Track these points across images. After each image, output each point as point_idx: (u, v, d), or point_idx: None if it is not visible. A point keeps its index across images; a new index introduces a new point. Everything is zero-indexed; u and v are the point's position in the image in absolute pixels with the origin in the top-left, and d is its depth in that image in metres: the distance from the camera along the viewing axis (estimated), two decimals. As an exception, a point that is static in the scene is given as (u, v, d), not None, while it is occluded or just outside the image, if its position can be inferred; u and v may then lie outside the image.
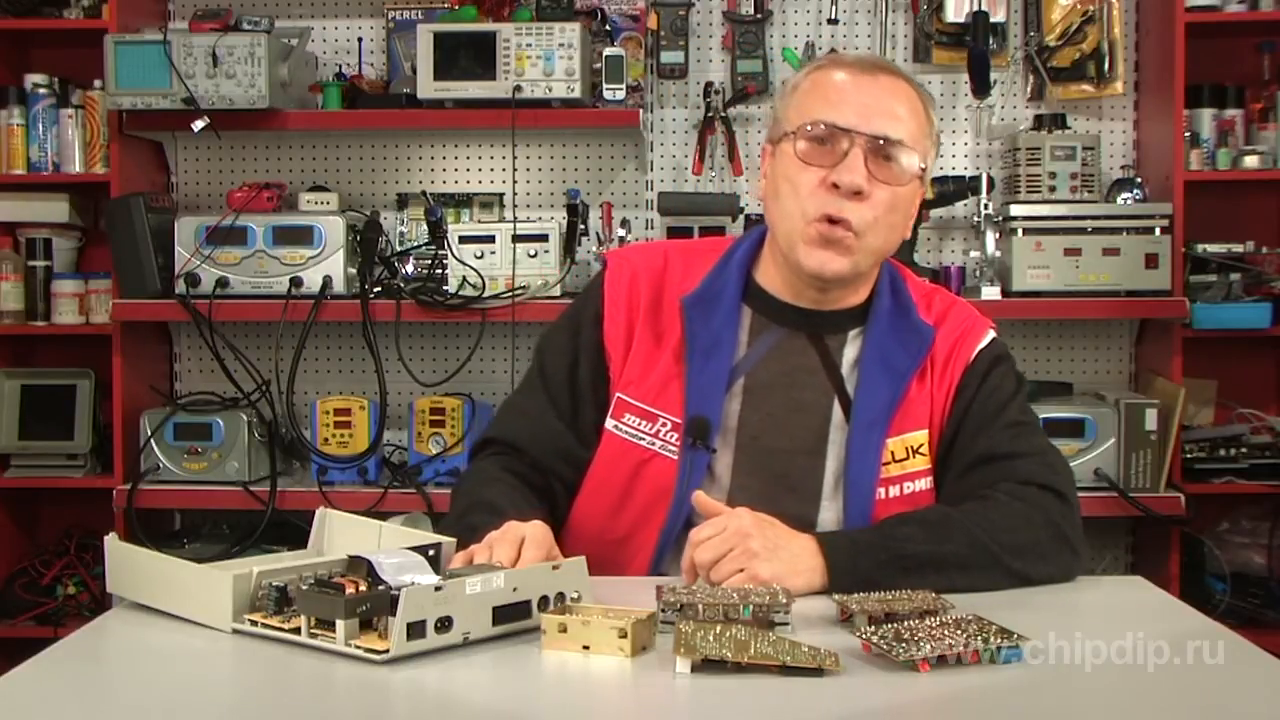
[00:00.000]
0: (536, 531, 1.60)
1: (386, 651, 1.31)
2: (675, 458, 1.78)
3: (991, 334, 1.87)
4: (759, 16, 3.50)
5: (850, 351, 1.84)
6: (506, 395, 2.00)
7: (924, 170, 1.79)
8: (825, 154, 1.74)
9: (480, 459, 1.89)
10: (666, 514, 1.77)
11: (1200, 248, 3.31)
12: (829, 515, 1.78)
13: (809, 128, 1.74)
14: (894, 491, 1.78)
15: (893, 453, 1.78)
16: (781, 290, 1.85)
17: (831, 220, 1.73)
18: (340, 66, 3.60)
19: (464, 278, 3.24)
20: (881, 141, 1.73)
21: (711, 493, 1.78)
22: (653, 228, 3.56)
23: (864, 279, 1.83)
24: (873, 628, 1.36)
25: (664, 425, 1.80)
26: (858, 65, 1.80)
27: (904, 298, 1.86)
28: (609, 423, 1.83)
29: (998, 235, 3.27)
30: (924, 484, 1.80)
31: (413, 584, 1.37)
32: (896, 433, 1.79)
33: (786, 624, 1.40)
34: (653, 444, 1.80)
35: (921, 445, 1.80)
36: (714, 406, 1.79)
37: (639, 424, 1.81)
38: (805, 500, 1.78)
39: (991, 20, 3.38)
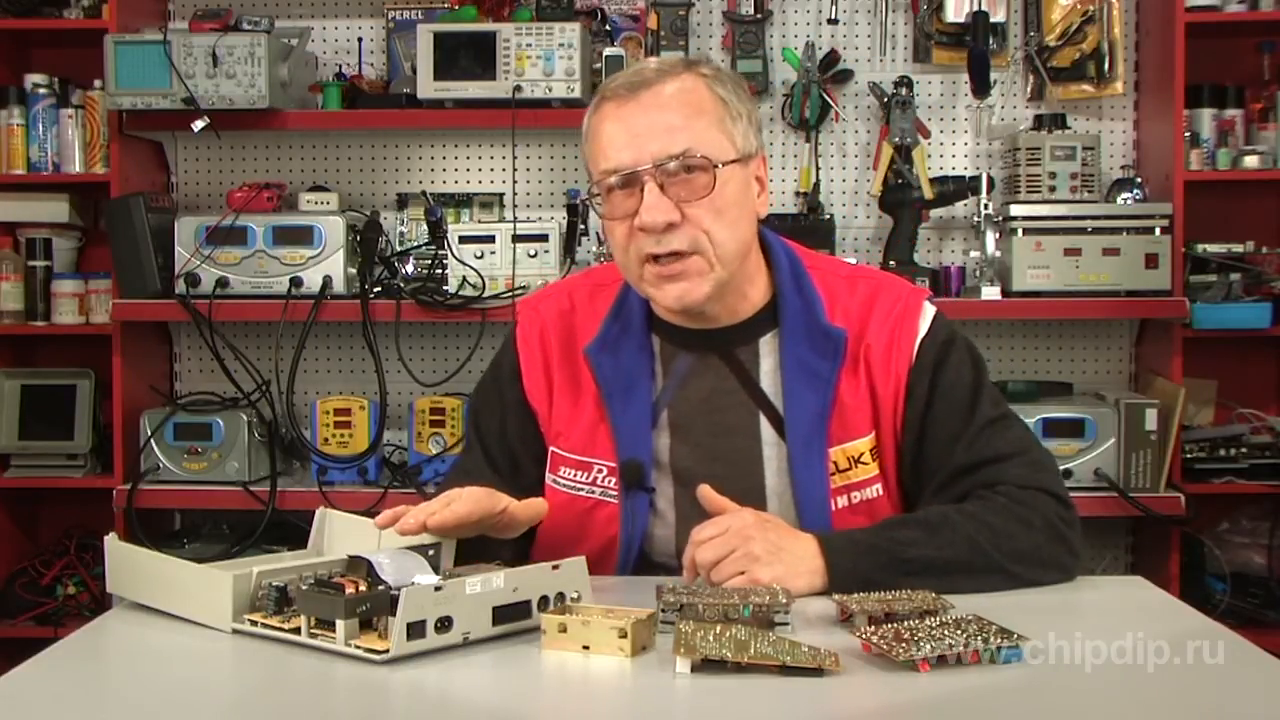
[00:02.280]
0: (472, 490, 1.58)
1: (386, 651, 1.31)
2: (617, 502, 1.76)
3: (929, 317, 1.77)
4: (759, 16, 3.50)
5: (767, 361, 1.78)
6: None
7: (737, 145, 1.69)
8: (627, 199, 1.67)
9: None
10: (618, 556, 1.76)
11: (1200, 248, 3.31)
12: None
13: (601, 184, 1.69)
14: (843, 502, 1.74)
15: (835, 463, 1.74)
16: (674, 317, 1.78)
17: (658, 258, 1.67)
18: (340, 66, 3.60)
19: (464, 278, 3.24)
20: (670, 163, 1.65)
21: (658, 529, 1.77)
22: (653, 228, 3.55)
23: (745, 280, 1.76)
24: (873, 628, 1.36)
25: (600, 471, 1.77)
26: (619, 94, 1.70)
27: (809, 295, 1.77)
28: (548, 477, 1.81)
29: (998, 235, 3.27)
30: (874, 491, 1.75)
31: (413, 584, 1.37)
32: (836, 442, 1.73)
33: (786, 624, 1.40)
34: (592, 492, 1.78)
35: (863, 454, 1.75)
36: (643, 446, 1.76)
37: (575, 475, 1.79)
38: None
39: (991, 20, 3.38)
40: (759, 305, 1.79)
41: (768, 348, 1.78)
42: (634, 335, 1.79)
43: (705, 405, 1.78)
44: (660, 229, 1.66)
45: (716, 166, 1.67)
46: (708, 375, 1.78)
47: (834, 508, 1.73)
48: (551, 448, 1.82)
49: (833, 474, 1.74)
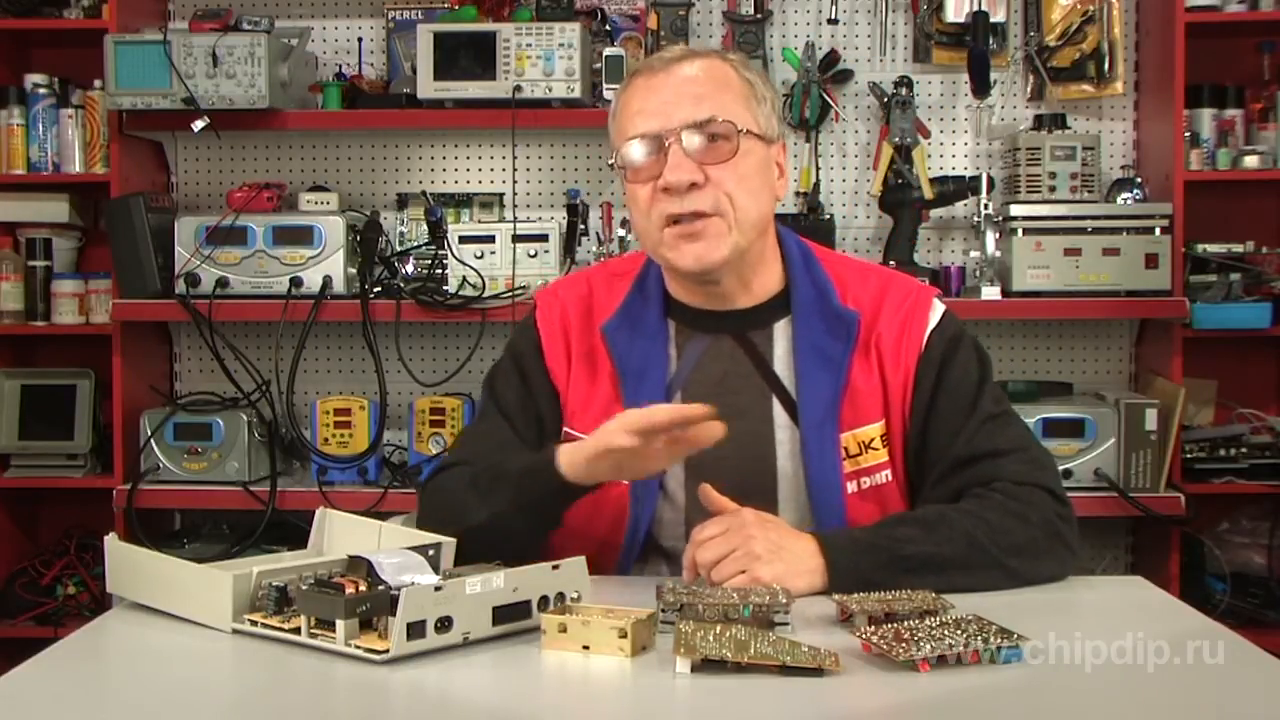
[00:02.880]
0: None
1: (386, 651, 1.31)
2: (628, 483, 1.76)
3: (939, 312, 1.81)
4: (759, 16, 3.50)
5: (780, 345, 1.80)
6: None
7: (760, 124, 1.74)
8: (651, 165, 1.71)
9: (442, 475, 1.83)
10: (624, 538, 1.76)
11: (1200, 248, 3.31)
12: (789, 518, 1.72)
13: (626, 148, 1.73)
14: (852, 487, 1.75)
15: (846, 448, 1.75)
16: (691, 298, 1.81)
17: (678, 219, 1.70)
18: (340, 66, 3.60)
19: (464, 278, 3.24)
20: (694, 127, 1.70)
21: (666, 512, 1.78)
22: (653, 228, 3.55)
23: (760, 259, 1.79)
24: (873, 628, 1.36)
25: None
26: (650, 68, 1.76)
27: (821, 280, 1.80)
28: None
29: (998, 235, 3.27)
30: (884, 476, 1.76)
31: (413, 584, 1.37)
32: (848, 428, 1.75)
33: (786, 624, 1.40)
34: None
35: (874, 440, 1.76)
36: None
37: None
38: (762, 506, 1.68)
39: (991, 20, 3.38)
40: (773, 291, 1.82)
41: (781, 332, 1.80)
42: (650, 317, 1.82)
43: (719, 388, 1.78)
44: (684, 188, 1.69)
45: (741, 132, 1.71)
46: (721, 358, 1.80)
47: (848, 491, 1.74)
48: (565, 427, 1.82)
49: (844, 459, 1.75)
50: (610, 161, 1.79)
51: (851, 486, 1.75)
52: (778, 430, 1.78)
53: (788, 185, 1.83)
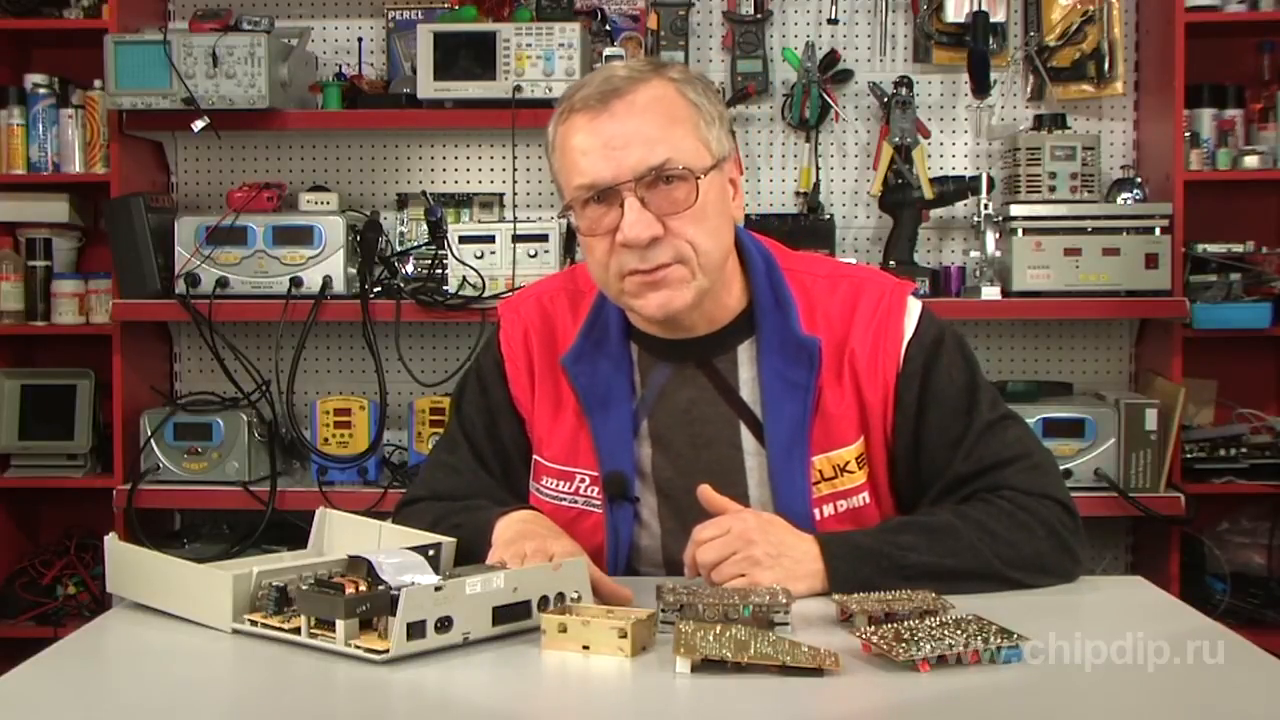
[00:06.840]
0: (570, 547, 1.59)
1: (386, 651, 1.31)
2: (601, 512, 1.74)
3: (914, 316, 1.73)
4: (759, 16, 3.50)
5: (745, 370, 1.74)
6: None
7: (712, 150, 1.65)
8: (605, 214, 1.63)
9: (408, 509, 1.81)
10: (604, 568, 1.71)
11: (1200, 248, 3.31)
12: None
13: (577, 198, 1.65)
14: (829, 510, 1.71)
15: (820, 471, 1.70)
16: (652, 327, 1.74)
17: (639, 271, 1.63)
18: (340, 66, 3.60)
19: (464, 278, 3.24)
20: (648, 175, 1.61)
21: (643, 540, 1.75)
22: (653, 228, 3.55)
23: (722, 287, 1.72)
24: (873, 628, 1.36)
25: (583, 481, 1.75)
26: (589, 105, 1.64)
27: (784, 300, 1.73)
28: (532, 485, 1.80)
29: (998, 235, 3.27)
30: (861, 499, 1.72)
31: (413, 584, 1.37)
32: (820, 450, 1.70)
33: (786, 624, 1.40)
34: (575, 502, 1.75)
35: (849, 462, 1.71)
36: (625, 457, 1.73)
37: (558, 485, 1.77)
38: None
39: (991, 20, 3.39)
40: (736, 311, 1.75)
41: (745, 356, 1.75)
42: (611, 345, 1.76)
43: (685, 416, 1.75)
44: (644, 244, 1.61)
45: (698, 177, 1.63)
46: (686, 386, 1.75)
47: (818, 517, 1.70)
48: (534, 456, 1.81)
49: (817, 482, 1.71)
50: (562, 211, 1.70)
51: (828, 510, 1.71)
52: (747, 457, 1.74)
53: (743, 202, 1.75)
